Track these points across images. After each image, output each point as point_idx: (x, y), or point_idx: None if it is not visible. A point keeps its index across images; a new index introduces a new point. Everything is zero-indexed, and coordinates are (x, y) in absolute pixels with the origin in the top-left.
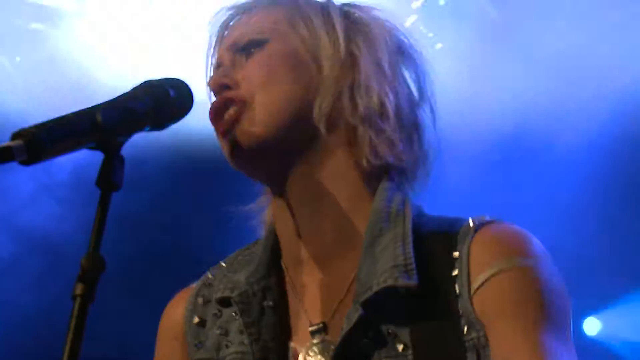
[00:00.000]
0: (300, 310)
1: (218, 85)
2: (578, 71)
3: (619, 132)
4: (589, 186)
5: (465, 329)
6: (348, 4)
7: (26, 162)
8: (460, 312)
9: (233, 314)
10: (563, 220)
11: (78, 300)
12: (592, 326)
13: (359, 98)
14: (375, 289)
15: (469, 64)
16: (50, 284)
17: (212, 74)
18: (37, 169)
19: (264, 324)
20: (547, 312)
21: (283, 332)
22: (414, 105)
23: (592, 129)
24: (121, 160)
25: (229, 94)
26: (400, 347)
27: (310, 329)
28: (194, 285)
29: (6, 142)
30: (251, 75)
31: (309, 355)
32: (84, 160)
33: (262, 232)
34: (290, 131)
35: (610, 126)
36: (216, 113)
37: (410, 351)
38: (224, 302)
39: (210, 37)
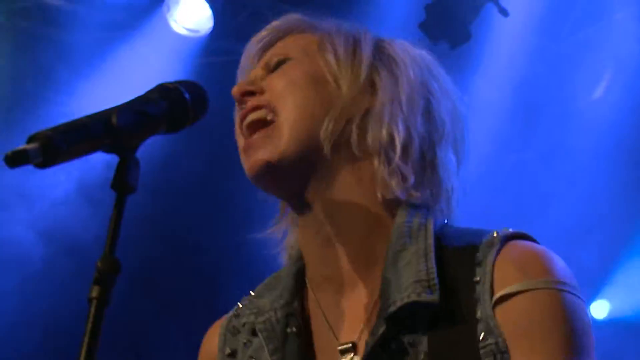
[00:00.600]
0: (327, 332)
1: (241, 92)
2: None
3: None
4: (602, 183)
5: (482, 335)
6: (384, 40)
7: (41, 165)
8: (479, 317)
9: (262, 342)
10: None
11: (94, 302)
12: (600, 309)
13: (369, 126)
14: (399, 304)
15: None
16: (79, 286)
17: None
18: (69, 169)
19: (287, 351)
20: (575, 344)
21: (309, 358)
22: (433, 144)
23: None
24: (136, 162)
25: (254, 100)
26: (418, 356)
27: (339, 348)
28: (227, 315)
29: (22, 145)
30: (274, 82)
31: None
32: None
33: (285, 259)
34: (305, 147)
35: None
36: (242, 119)
37: None
38: (253, 332)
39: (252, 56)
